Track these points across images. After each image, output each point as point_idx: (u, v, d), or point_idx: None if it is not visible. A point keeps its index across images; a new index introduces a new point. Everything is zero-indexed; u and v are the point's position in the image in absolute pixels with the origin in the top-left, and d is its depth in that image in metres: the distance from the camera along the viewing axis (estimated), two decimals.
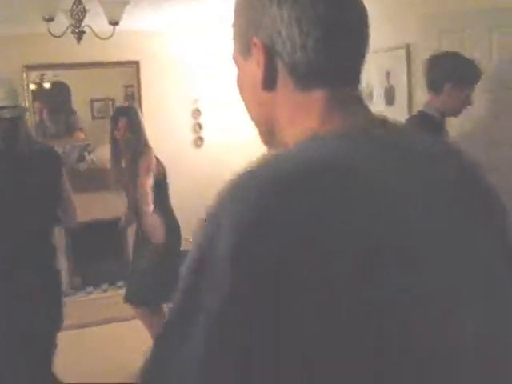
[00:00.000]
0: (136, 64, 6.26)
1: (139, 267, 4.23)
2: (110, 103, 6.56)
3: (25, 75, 6.24)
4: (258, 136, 1.07)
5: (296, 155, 0.88)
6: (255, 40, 0.95)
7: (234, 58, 1.05)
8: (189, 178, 6.66)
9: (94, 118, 6.45)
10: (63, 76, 6.40)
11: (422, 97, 3.83)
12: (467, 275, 0.88)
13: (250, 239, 0.78)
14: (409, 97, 4.59)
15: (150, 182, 4.00)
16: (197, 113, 6.85)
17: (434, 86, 3.26)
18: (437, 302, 0.83)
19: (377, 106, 5.01)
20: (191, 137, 6.89)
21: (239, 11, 1.01)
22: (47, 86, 6.46)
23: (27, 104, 6.29)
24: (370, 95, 5.08)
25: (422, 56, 3.84)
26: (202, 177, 6.81)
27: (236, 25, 1.01)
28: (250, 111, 1.05)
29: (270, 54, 0.95)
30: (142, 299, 4.21)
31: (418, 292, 0.81)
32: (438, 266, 0.85)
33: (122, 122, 4.10)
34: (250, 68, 0.99)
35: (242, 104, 1.07)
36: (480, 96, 3.56)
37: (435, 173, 0.92)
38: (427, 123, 3.14)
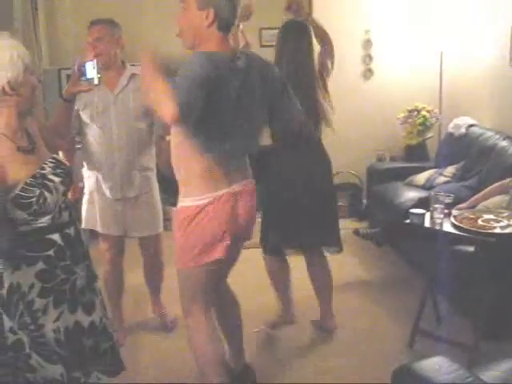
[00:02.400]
0: None
1: None
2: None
3: None
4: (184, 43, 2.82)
5: (206, 53, 2.68)
6: (211, 10, 2.65)
7: (185, 3, 2.72)
8: (356, 109, 6.59)
9: (261, 46, 6.44)
10: None
11: None
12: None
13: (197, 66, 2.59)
14: None
15: None
16: (368, 44, 6.68)
17: None
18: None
19: None
20: (361, 68, 6.76)
21: None
22: None
23: None
24: None
25: None
26: (369, 109, 6.71)
27: None
28: (185, 33, 2.74)
29: (215, 17, 2.66)
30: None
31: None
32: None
33: None
34: (200, 14, 2.67)
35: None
36: None
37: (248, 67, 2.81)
38: None
